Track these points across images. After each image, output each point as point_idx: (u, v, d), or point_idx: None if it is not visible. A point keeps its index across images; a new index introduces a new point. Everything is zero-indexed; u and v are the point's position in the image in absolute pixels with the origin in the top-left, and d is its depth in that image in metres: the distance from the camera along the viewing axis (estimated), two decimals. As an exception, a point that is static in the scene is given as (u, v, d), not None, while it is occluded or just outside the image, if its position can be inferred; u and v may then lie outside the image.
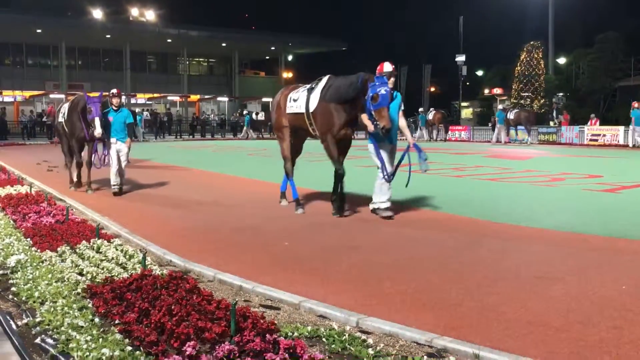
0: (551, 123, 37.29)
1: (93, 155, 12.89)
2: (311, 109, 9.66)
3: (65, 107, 13.40)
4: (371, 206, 9.57)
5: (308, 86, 10.07)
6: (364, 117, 9.17)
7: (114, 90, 12.69)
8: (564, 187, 13.29)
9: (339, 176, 9.53)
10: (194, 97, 64.66)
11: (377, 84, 8.81)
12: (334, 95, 9.36)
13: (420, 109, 42.49)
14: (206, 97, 65.41)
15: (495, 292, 5.54)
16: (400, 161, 9.59)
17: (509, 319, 4.78)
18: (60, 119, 13.43)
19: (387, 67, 9.41)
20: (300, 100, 9.91)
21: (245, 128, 44.52)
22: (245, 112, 48.80)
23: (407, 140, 9.60)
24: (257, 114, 46.80)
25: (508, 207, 10.69)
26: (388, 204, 9.37)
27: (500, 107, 38.29)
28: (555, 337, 4.39)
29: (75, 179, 13.38)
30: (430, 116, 40.09)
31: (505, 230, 8.50)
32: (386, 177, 9.26)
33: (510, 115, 34.16)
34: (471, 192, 12.68)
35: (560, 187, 13.34)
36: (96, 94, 12.77)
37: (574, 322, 4.69)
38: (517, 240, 7.79)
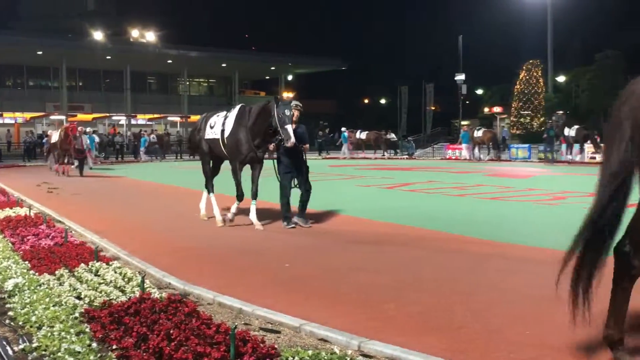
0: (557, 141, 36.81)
1: None
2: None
3: None
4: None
5: None
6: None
7: None
8: (566, 206, 13.21)
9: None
10: (194, 118, 64.65)
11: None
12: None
13: (343, 128, 43.94)
14: (206, 117, 65.43)
15: (501, 313, 5.45)
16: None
17: (514, 342, 4.68)
18: None
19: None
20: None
21: (344, 145, 42.69)
22: (342, 129, 44.57)
23: None
24: (352, 131, 44.37)
25: (511, 226, 10.61)
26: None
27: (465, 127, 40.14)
28: (562, 361, 4.29)
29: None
30: (363, 135, 42.97)
31: (510, 251, 8.39)
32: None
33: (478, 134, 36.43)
34: (474, 212, 12.59)
35: (562, 206, 13.26)
36: None
37: (580, 343, 4.59)
38: (522, 261, 7.69)
